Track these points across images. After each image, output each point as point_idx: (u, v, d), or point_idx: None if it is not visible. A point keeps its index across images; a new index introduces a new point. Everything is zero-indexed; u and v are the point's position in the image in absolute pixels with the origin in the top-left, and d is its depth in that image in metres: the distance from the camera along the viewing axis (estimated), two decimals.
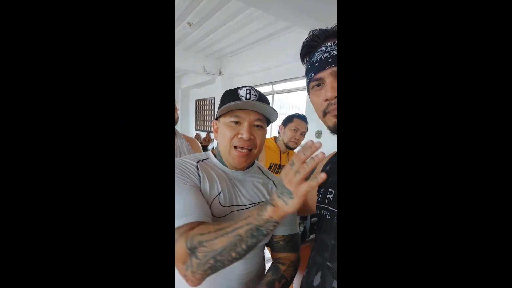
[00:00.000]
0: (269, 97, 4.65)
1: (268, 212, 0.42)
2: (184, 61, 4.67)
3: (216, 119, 0.66)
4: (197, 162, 0.63)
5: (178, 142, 1.30)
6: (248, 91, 0.61)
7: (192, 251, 0.45)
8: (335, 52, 0.44)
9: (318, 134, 3.38)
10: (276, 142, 1.43)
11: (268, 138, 1.50)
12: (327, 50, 0.45)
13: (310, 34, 0.49)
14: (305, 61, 0.52)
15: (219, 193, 0.60)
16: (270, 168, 1.38)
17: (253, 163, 0.70)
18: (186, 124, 6.81)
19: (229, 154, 0.61)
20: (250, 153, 0.61)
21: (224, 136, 0.61)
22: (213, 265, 0.44)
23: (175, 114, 1.28)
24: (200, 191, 0.57)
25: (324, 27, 0.49)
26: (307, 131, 1.40)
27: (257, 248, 0.62)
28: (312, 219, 2.41)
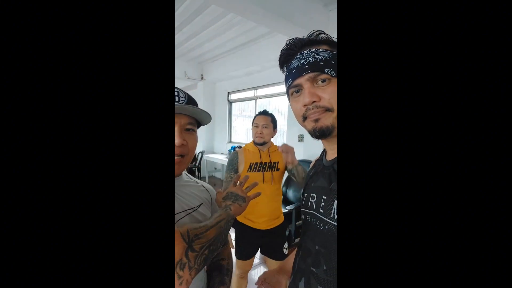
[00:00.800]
0: (252, 102, 4.66)
1: (232, 210, 0.61)
2: None
3: None
4: None
5: None
6: (176, 94, 0.58)
7: (189, 244, 0.49)
8: (310, 59, 0.46)
9: (300, 138, 3.43)
10: (253, 143, 1.47)
11: (248, 143, 1.52)
12: (303, 57, 0.47)
13: (287, 43, 0.51)
14: (284, 68, 0.53)
15: None
16: (250, 167, 1.40)
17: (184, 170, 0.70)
18: None
19: None
20: (183, 160, 0.58)
21: None
22: (207, 255, 0.51)
23: None
24: None
25: (300, 35, 0.52)
26: (271, 122, 1.43)
27: None
28: (297, 223, 2.41)
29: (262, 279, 0.70)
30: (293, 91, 0.49)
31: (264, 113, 1.46)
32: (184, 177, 0.69)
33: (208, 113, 0.60)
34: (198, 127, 0.64)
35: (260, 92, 4.46)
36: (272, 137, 1.46)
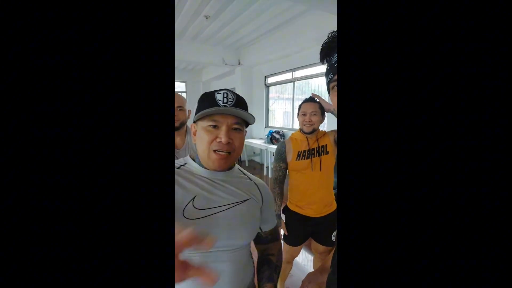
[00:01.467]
0: (290, 85, 4.57)
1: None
2: (203, 55, 4.73)
3: (194, 122, 0.66)
4: None
5: (187, 138, 1.34)
6: (225, 95, 0.61)
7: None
8: None
9: None
10: (301, 132, 1.44)
11: (295, 132, 1.49)
12: None
13: (329, 35, 0.49)
14: (325, 62, 0.52)
15: (194, 197, 0.62)
16: (298, 156, 1.37)
17: (234, 164, 0.71)
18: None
19: (208, 157, 0.62)
20: (230, 156, 0.62)
21: (203, 140, 0.61)
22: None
23: (185, 115, 1.32)
24: None
25: None
26: (319, 108, 1.37)
27: (241, 247, 0.64)
28: None
29: (307, 283, 0.71)
30: (334, 85, 0.48)
31: (311, 99, 1.39)
32: (236, 171, 0.71)
33: (251, 115, 0.63)
34: (246, 126, 0.66)
35: (298, 73, 4.33)
36: (321, 123, 1.40)
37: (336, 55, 0.46)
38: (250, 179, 0.72)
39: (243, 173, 0.73)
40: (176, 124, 1.26)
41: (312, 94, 1.36)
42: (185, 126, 1.34)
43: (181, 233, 0.34)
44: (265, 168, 4.66)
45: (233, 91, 0.64)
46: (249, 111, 0.65)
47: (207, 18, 3.36)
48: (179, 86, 7.05)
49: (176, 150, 1.30)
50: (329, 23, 2.81)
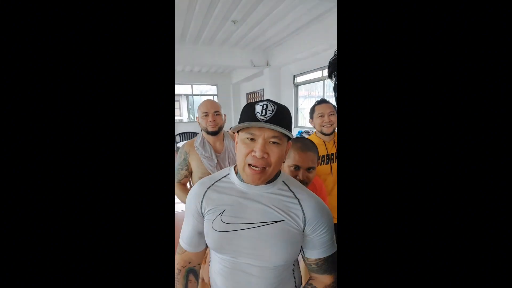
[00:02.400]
0: (319, 83, 4.46)
1: None
2: (232, 58, 4.85)
3: (236, 132, 0.63)
4: (208, 187, 0.66)
5: (226, 143, 1.38)
6: (265, 107, 0.58)
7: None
8: None
9: None
10: (317, 135, 1.41)
11: (311, 135, 1.46)
12: None
13: (335, 52, 0.51)
14: (333, 77, 0.52)
15: (223, 211, 0.62)
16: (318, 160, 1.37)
17: (277, 176, 0.65)
18: (238, 117, 7.11)
19: (243, 171, 0.60)
20: (264, 172, 0.58)
21: (240, 153, 0.59)
22: None
23: (222, 119, 1.36)
24: (203, 215, 0.65)
25: None
26: (334, 109, 1.34)
27: (273, 267, 0.61)
28: None
29: None
30: None
31: (326, 101, 1.39)
32: (278, 185, 0.64)
33: (287, 131, 0.58)
34: (288, 140, 0.61)
35: None
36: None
37: None
38: (295, 196, 0.63)
39: (288, 188, 0.64)
40: (215, 128, 1.31)
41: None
42: (223, 130, 1.39)
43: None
44: None
45: (275, 102, 0.60)
46: None
47: (234, 23, 3.45)
48: (211, 89, 7.32)
49: (217, 154, 1.35)
50: None
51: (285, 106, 0.61)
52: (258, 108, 0.58)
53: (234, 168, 0.68)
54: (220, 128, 1.35)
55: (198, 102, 7.00)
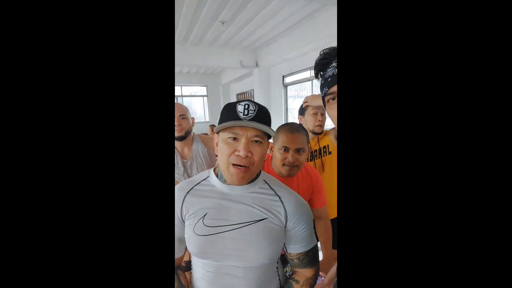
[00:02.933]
0: (308, 83, 4.51)
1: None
2: (222, 58, 4.83)
3: (217, 133, 0.64)
4: (187, 192, 0.65)
5: (194, 147, 1.29)
6: (246, 107, 0.59)
7: None
8: None
9: None
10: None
11: None
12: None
13: (321, 53, 0.53)
14: (319, 77, 0.54)
15: (205, 214, 0.61)
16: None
17: (257, 176, 0.66)
18: None
19: (227, 170, 0.60)
20: (248, 170, 0.59)
21: (222, 153, 0.59)
22: None
23: (189, 123, 1.27)
24: (183, 220, 0.65)
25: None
26: (324, 109, 1.35)
27: (257, 267, 0.61)
28: None
29: None
30: (329, 98, 0.51)
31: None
32: (258, 185, 0.65)
33: (271, 129, 0.60)
34: (268, 139, 0.63)
35: None
36: None
37: (329, 69, 0.50)
38: (275, 193, 0.65)
39: (269, 186, 0.66)
40: (181, 133, 1.22)
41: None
42: (191, 135, 1.30)
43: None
44: None
45: (255, 102, 0.62)
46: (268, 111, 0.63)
47: (223, 24, 3.44)
48: (200, 90, 7.25)
49: (184, 161, 1.26)
50: None
51: (265, 107, 0.63)
52: (240, 108, 0.59)
53: (214, 170, 0.68)
54: (188, 133, 1.25)
55: (188, 104, 6.91)
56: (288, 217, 0.63)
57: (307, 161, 1.34)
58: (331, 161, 1.31)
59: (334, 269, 0.74)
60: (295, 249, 0.65)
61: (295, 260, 0.67)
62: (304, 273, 0.67)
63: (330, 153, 1.32)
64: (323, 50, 0.53)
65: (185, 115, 1.26)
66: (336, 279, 0.58)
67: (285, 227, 0.63)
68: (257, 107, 0.60)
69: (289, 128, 0.95)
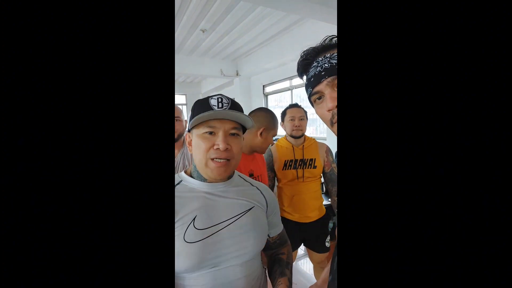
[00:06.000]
0: (287, 93, 4.60)
1: None
2: (202, 67, 4.80)
3: (189, 131, 0.63)
4: None
5: (183, 150, 1.28)
6: (220, 100, 0.59)
7: None
8: (326, 65, 0.48)
9: None
10: (286, 139, 1.44)
11: (280, 138, 1.49)
12: (319, 65, 0.49)
13: (302, 54, 0.53)
14: (303, 78, 0.55)
15: (194, 217, 0.57)
16: (285, 165, 1.35)
17: (233, 172, 0.67)
18: None
19: (206, 166, 0.58)
20: (229, 163, 0.59)
21: (199, 149, 0.58)
22: None
23: (183, 126, 1.26)
24: None
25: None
26: (305, 114, 1.39)
27: (253, 258, 0.63)
28: None
29: None
30: (315, 98, 0.51)
31: (297, 105, 1.43)
32: (236, 180, 0.67)
33: (250, 118, 0.60)
34: (244, 132, 0.64)
35: (296, 81, 4.37)
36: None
37: (311, 69, 0.50)
38: (252, 184, 0.69)
39: (245, 180, 0.70)
40: (175, 135, 1.20)
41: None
42: (183, 137, 1.30)
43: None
44: None
45: (228, 96, 0.61)
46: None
47: (203, 32, 3.43)
48: (180, 99, 7.11)
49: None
50: (322, 31, 2.86)
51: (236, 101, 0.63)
52: (213, 101, 0.58)
53: (185, 173, 0.66)
54: (180, 135, 1.24)
55: None
56: (268, 205, 0.69)
57: (290, 169, 1.36)
58: (314, 172, 1.38)
59: (326, 269, 0.76)
60: (276, 231, 0.74)
61: (277, 241, 0.75)
62: (284, 248, 0.77)
63: (315, 167, 1.38)
64: (303, 51, 0.53)
65: (178, 117, 1.24)
66: (330, 277, 0.56)
67: (266, 213, 0.69)
68: (230, 100, 0.60)
69: (259, 109, 1.16)
